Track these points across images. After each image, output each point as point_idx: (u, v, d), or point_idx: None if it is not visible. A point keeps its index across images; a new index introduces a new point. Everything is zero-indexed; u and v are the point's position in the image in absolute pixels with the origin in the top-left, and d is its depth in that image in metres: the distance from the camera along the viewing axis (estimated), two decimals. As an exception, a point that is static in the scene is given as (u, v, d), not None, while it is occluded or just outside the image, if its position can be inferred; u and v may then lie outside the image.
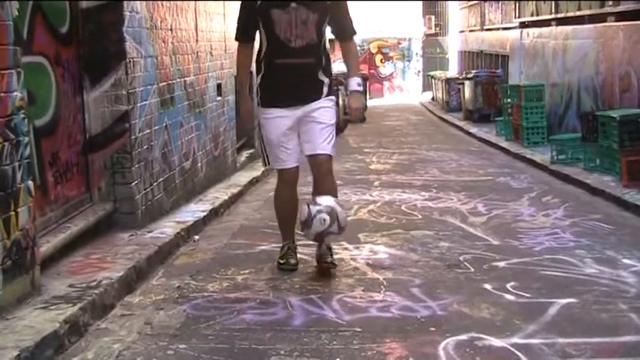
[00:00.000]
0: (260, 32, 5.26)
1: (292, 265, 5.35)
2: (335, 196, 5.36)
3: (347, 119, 17.53)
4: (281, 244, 5.55)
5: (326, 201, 5.15)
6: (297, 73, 5.16)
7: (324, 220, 5.04)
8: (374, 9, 28.75)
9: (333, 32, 5.45)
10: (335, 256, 5.56)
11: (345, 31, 5.43)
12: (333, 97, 5.42)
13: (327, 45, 5.44)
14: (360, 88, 5.51)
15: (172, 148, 7.17)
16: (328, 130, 5.29)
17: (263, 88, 5.31)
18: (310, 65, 5.22)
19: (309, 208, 5.11)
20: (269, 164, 5.54)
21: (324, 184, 5.35)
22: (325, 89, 5.31)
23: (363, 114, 5.52)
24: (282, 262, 5.39)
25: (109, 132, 6.00)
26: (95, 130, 5.98)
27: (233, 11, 9.89)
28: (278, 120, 5.24)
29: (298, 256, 5.47)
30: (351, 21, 5.45)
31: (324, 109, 5.28)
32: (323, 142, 5.27)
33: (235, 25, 5.44)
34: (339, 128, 18.01)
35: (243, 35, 5.38)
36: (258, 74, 5.36)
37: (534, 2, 15.11)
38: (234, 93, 9.99)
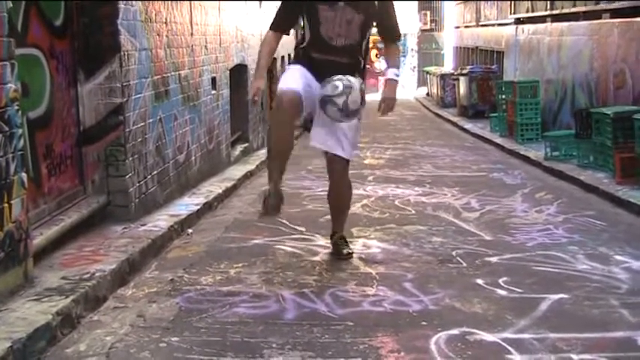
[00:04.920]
0: (304, 24, 5.23)
1: (274, 207, 5.16)
2: (349, 197, 5.54)
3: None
4: (264, 189, 5.35)
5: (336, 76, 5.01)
6: (332, 70, 5.09)
7: (337, 86, 4.95)
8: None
9: (379, 33, 5.41)
10: (326, 250, 5.59)
11: (392, 34, 5.40)
12: (360, 110, 5.25)
13: (369, 47, 5.42)
14: (398, 78, 5.40)
15: (166, 141, 7.17)
16: (350, 134, 5.27)
17: (298, 60, 5.26)
18: (347, 65, 5.15)
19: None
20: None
21: (341, 184, 5.43)
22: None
23: (394, 106, 5.45)
24: (262, 210, 5.21)
25: (103, 124, 6.00)
26: (89, 123, 5.98)
27: (229, 6, 9.91)
28: (303, 71, 5.15)
29: (292, 250, 5.48)
30: (398, 24, 5.42)
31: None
32: (348, 147, 5.27)
33: (274, 17, 5.36)
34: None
35: (278, 27, 5.32)
36: (294, 58, 5.32)
37: (530, -1, 15.15)
38: (229, 87, 10.01)
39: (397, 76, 5.38)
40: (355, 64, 5.22)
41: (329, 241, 5.68)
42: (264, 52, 5.36)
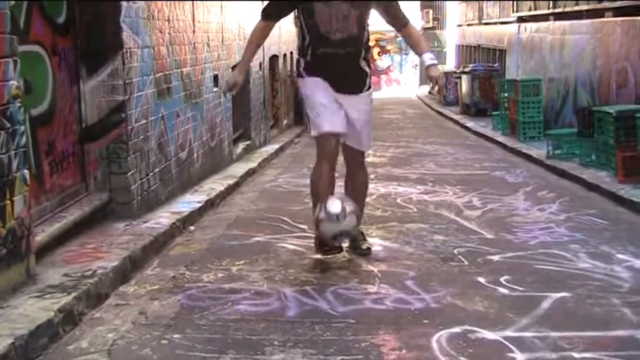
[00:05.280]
0: (301, 25, 5.31)
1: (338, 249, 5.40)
2: (366, 185, 5.70)
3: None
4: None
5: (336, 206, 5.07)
6: (340, 61, 5.22)
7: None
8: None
9: (389, 23, 5.45)
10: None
11: (401, 20, 5.42)
12: (372, 92, 5.48)
13: (369, 37, 5.50)
14: (435, 62, 5.44)
15: (168, 138, 7.17)
16: (366, 129, 5.42)
17: (308, 65, 5.32)
18: (351, 54, 5.27)
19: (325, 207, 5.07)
20: (313, 132, 5.38)
21: (359, 175, 5.56)
22: (367, 81, 5.40)
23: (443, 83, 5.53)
24: (326, 249, 5.38)
25: (105, 122, 6.00)
26: (91, 120, 5.98)
27: (231, 3, 9.90)
28: (324, 85, 5.25)
29: (294, 248, 5.49)
30: (401, 9, 5.45)
31: (362, 111, 5.38)
32: (365, 141, 5.48)
33: (266, 6, 5.44)
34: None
35: (269, 17, 5.37)
36: (301, 57, 5.37)
37: (532, -3, 15.13)
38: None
39: (432, 59, 5.41)
40: (359, 52, 5.31)
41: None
42: (251, 43, 5.47)
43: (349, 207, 5.03)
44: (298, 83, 5.53)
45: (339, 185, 5.60)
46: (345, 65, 5.26)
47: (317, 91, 5.27)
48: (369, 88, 5.45)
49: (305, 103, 5.49)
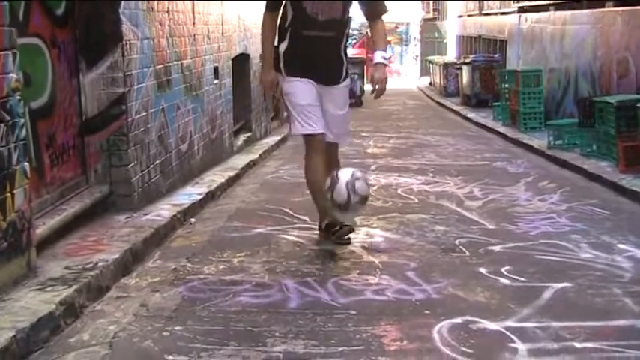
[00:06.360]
0: (286, 5, 5.29)
1: (346, 239, 5.43)
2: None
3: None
4: (323, 224, 5.54)
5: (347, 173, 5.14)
6: (321, 46, 5.24)
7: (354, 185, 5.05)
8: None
9: (362, 10, 5.43)
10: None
11: (376, 9, 5.41)
12: (348, 82, 5.51)
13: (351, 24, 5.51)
14: (385, 61, 5.40)
15: (169, 130, 7.16)
16: (344, 119, 5.48)
17: (287, 58, 5.32)
18: (334, 39, 5.29)
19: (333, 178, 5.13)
20: (293, 132, 5.46)
21: (333, 164, 5.49)
22: (344, 70, 5.41)
23: (385, 87, 5.41)
24: (344, 238, 5.42)
25: (105, 114, 5.99)
26: (91, 113, 5.97)
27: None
28: (307, 84, 5.28)
29: (295, 239, 5.49)
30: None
31: (340, 99, 5.42)
32: (343, 134, 5.54)
33: None
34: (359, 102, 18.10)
35: (277, 7, 5.36)
36: (281, 42, 5.35)
37: (533, -13, 15.09)
38: (232, 76, 9.99)
39: (384, 58, 5.37)
40: (340, 38, 5.33)
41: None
42: (267, 40, 5.46)
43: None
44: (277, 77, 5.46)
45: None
46: (326, 51, 5.27)
47: (298, 90, 5.28)
48: (347, 76, 5.45)
49: (285, 99, 5.45)
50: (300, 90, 5.28)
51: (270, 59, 5.42)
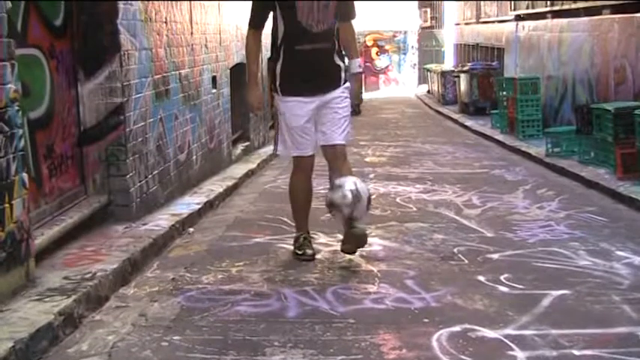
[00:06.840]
0: (277, 19, 5.26)
1: (309, 255, 5.38)
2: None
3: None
4: (295, 235, 5.57)
5: (348, 180, 5.17)
6: (316, 59, 5.22)
7: (346, 196, 5.06)
8: (370, 2, 28.74)
9: (337, 13, 5.36)
10: (328, 249, 5.59)
11: (350, 12, 5.43)
12: (348, 85, 5.47)
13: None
14: (362, 70, 5.47)
15: (167, 140, 7.17)
16: (345, 120, 5.40)
17: (283, 76, 5.31)
18: (328, 50, 5.28)
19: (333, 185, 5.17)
20: (280, 151, 5.53)
21: (343, 170, 5.39)
22: (342, 75, 5.40)
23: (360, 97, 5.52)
24: (299, 252, 5.41)
25: (103, 124, 6.00)
26: (90, 123, 5.98)
27: (227, 4, 9.90)
28: (301, 106, 5.28)
29: (292, 248, 5.47)
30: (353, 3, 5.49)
31: (341, 99, 5.38)
32: (342, 133, 5.39)
33: (250, 13, 5.43)
34: (356, 111, 18.13)
35: (261, 24, 5.40)
36: (276, 62, 5.34)
37: (530, -5, 15.12)
38: (230, 86, 10.01)
39: (360, 67, 5.52)
40: (333, 47, 5.31)
41: (330, 239, 5.69)
42: (252, 57, 5.52)
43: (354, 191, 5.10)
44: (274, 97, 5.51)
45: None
46: (322, 63, 5.25)
47: (292, 112, 5.30)
48: (346, 81, 5.43)
49: (278, 118, 5.47)
50: (295, 111, 5.29)
51: (256, 78, 5.47)
